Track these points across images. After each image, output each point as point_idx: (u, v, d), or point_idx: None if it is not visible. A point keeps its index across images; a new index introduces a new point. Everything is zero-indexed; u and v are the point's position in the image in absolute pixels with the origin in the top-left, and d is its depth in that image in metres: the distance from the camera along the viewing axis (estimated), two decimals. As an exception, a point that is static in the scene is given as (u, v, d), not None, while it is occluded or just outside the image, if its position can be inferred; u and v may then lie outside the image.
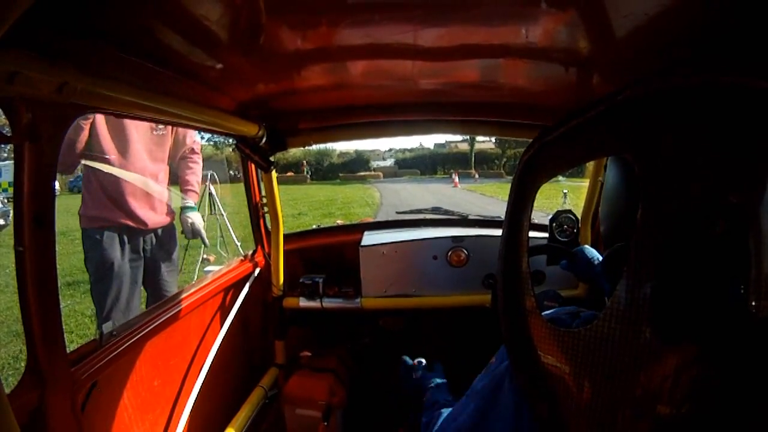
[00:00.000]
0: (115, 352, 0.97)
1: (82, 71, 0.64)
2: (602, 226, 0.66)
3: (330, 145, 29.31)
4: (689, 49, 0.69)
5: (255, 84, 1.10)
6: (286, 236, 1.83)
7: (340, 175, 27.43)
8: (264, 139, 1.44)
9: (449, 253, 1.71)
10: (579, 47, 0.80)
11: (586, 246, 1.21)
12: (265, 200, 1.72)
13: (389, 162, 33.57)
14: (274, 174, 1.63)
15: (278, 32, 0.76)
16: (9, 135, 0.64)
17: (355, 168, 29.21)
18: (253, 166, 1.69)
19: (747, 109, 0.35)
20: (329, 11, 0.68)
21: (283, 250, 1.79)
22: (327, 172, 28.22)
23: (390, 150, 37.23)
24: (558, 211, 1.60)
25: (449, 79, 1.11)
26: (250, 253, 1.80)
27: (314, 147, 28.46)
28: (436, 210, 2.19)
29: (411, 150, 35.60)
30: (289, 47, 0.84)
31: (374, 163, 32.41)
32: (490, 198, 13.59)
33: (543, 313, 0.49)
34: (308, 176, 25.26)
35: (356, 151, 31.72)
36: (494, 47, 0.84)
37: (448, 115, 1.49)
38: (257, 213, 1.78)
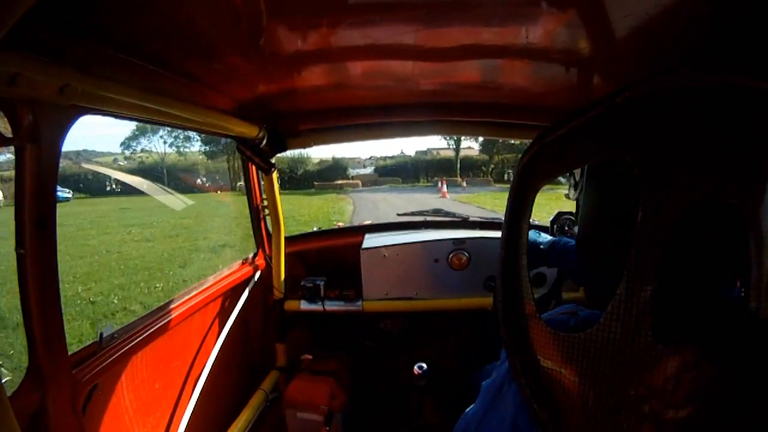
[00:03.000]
0: (116, 355, 0.97)
1: (83, 73, 0.64)
2: (582, 229, 0.59)
3: (306, 152, 27.20)
4: (689, 49, 0.69)
5: (255, 85, 1.10)
6: (287, 239, 1.82)
7: (315, 183, 24.98)
8: (264, 141, 1.44)
9: (450, 256, 1.71)
10: (579, 48, 0.80)
11: (534, 231, 1.23)
12: (266, 202, 1.72)
13: (369, 170, 31.92)
14: (275, 176, 1.63)
15: (278, 34, 0.76)
16: (10, 137, 0.64)
17: (332, 176, 26.84)
18: (254, 168, 1.69)
19: (747, 109, 0.35)
20: (329, 13, 0.68)
21: (284, 253, 1.79)
22: (301, 180, 25.60)
23: (371, 158, 35.83)
24: (559, 212, 1.59)
25: (450, 79, 1.11)
26: (251, 255, 1.80)
27: (288, 153, 27.04)
28: (437, 212, 2.19)
29: (392, 157, 33.32)
30: (289, 48, 0.84)
31: (353, 171, 30.58)
32: (491, 212, 11.26)
33: (542, 316, 0.48)
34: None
35: (334, 158, 29.38)
36: (495, 48, 0.84)
37: (449, 115, 1.49)
38: (258, 215, 1.77)
